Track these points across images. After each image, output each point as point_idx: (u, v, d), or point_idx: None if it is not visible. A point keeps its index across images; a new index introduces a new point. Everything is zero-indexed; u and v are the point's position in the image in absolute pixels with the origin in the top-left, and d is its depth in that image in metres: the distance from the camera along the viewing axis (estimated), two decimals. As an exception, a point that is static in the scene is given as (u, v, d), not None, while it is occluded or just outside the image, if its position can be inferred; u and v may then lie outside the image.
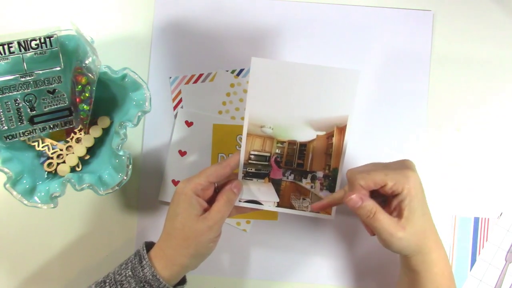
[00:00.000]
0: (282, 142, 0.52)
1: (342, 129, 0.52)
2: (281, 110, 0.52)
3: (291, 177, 0.53)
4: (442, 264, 0.48)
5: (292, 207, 0.53)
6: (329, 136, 0.52)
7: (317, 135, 0.52)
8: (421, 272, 0.48)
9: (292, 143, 0.52)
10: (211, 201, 0.50)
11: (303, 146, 0.52)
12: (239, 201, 0.53)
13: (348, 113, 0.51)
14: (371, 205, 0.47)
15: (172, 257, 0.49)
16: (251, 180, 0.53)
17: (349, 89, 0.51)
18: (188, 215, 0.48)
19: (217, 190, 0.52)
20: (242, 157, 0.52)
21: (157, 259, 0.49)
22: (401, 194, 0.46)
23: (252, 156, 0.52)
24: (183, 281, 0.52)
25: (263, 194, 0.53)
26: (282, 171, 0.53)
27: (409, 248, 0.47)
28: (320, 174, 0.53)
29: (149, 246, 0.51)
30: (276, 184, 0.53)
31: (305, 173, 0.53)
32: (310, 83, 0.51)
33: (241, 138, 0.58)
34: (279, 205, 0.53)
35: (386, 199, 0.49)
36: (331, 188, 0.52)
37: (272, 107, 0.51)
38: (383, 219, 0.46)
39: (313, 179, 0.53)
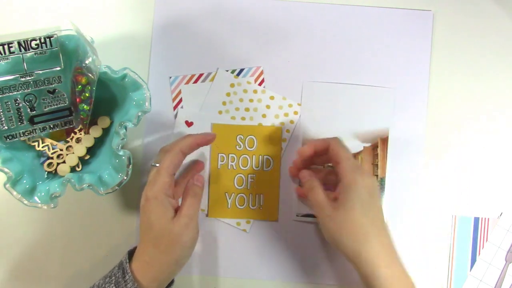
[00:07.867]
0: None
1: (384, 140, 0.59)
2: (330, 125, 0.60)
3: None
4: (398, 284, 0.46)
5: None
6: (374, 147, 0.59)
7: (364, 147, 0.59)
8: None
9: None
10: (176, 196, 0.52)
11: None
12: (296, 215, 0.57)
13: (389, 126, 0.59)
14: (310, 180, 0.52)
15: (160, 268, 0.48)
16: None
17: (388, 104, 0.60)
18: (166, 220, 0.48)
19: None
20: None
21: (143, 272, 0.48)
22: (342, 182, 0.48)
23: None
24: (170, 282, 0.52)
25: None
26: None
27: (344, 238, 0.46)
28: None
29: (132, 253, 0.50)
30: None
31: None
32: (353, 100, 0.60)
33: (241, 138, 0.59)
34: None
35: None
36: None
37: (322, 123, 0.60)
38: (318, 195, 0.50)
39: None
